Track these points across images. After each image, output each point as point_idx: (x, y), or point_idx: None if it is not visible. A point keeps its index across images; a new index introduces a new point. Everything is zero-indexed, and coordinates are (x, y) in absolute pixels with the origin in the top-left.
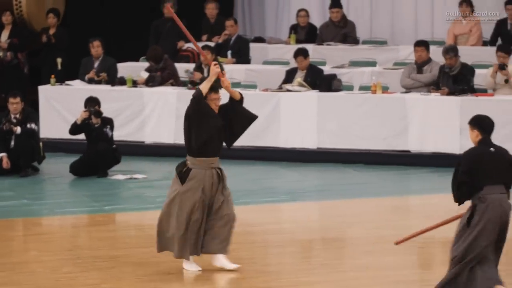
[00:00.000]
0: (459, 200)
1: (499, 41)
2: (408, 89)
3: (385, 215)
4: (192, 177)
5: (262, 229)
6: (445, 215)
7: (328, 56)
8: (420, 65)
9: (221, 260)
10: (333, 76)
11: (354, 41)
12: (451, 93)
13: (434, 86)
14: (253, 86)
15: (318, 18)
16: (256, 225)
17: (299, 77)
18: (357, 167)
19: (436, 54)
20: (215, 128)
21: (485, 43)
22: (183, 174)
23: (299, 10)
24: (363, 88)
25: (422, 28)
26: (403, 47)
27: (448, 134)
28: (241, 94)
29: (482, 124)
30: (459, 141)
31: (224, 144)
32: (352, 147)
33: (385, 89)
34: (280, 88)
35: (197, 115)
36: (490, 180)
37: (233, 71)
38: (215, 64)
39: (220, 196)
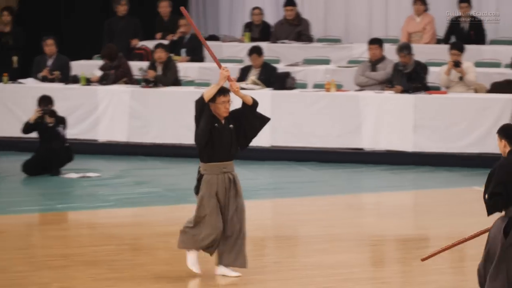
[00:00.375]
0: (490, 211)
1: (453, 39)
2: (362, 87)
3: (338, 213)
4: (205, 183)
5: None
6: (398, 212)
7: (282, 54)
8: (374, 63)
9: (222, 269)
10: (287, 74)
11: (308, 39)
12: (405, 91)
13: (388, 84)
14: (207, 84)
15: (272, 16)
16: None
17: (253, 75)
18: (311, 165)
19: (390, 52)
20: (205, 132)
21: (438, 41)
22: (197, 182)
23: (253, 8)
24: (317, 86)
25: (376, 26)
26: (357, 45)
27: (402, 132)
28: (253, 99)
29: (510, 133)
30: (412, 139)
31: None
32: (306, 145)
33: (339, 87)
34: None
35: (197, 119)
36: None
37: (187, 69)
38: (224, 68)
39: (233, 204)
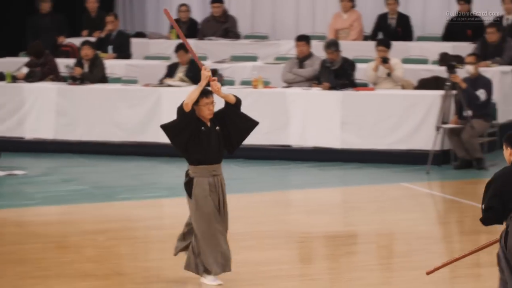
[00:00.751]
0: (484, 223)
1: (380, 36)
2: (290, 84)
3: (266, 210)
4: (196, 186)
5: (143, 224)
6: (326, 209)
7: (210, 51)
8: (301, 60)
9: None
10: (214, 71)
11: (235, 36)
12: (332, 87)
13: (315, 80)
14: (134, 81)
15: (199, 13)
16: (137, 220)
17: (180, 72)
18: (238, 162)
19: (318, 48)
20: (187, 135)
21: (366, 38)
22: (187, 186)
23: (180, 5)
24: (244, 83)
25: (303, 23)
26: (285, 41)
27: (329, 128)
28: (236, 97)
29: None
30: (340, 135)
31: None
32: None
33: (266, 84)
34: (161, 83)
35: (179, 124)
36: None
37: (114, 66)
38: (205, 69)
39: (221, 209)
